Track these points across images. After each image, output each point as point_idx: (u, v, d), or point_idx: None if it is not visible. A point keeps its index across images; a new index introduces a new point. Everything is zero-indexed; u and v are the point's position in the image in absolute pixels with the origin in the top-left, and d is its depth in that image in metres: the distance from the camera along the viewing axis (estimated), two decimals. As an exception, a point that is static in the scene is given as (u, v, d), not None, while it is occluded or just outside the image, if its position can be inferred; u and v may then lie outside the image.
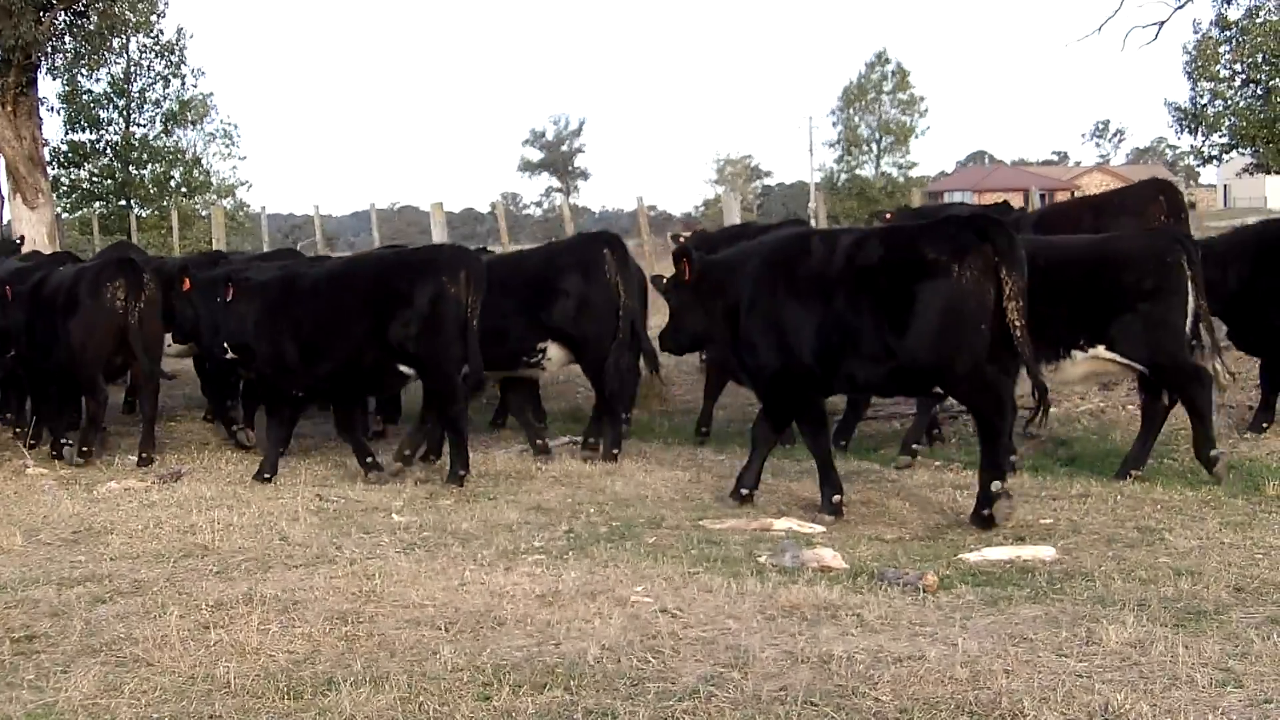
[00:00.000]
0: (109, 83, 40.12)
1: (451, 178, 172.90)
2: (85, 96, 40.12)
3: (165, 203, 40.14)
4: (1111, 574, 6.25)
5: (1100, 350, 8.44)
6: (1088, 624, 5.38)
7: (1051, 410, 10.45)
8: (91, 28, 23.65)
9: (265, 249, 21.83)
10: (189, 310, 10.11)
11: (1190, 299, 8.33)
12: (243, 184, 43.60)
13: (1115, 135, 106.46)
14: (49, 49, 23.27)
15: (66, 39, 23.97)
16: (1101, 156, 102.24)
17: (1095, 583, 6.12)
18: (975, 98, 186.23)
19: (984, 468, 7.48)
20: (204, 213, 38.07)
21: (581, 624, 5.57)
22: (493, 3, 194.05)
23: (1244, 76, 40.63)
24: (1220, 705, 4.48)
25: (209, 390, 12.10)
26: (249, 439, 11.18)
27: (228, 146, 42.93)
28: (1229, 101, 41.82)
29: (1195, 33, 38.64)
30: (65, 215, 37.35)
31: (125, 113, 41.02)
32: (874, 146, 69.11)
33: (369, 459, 9.57)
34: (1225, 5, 37.13)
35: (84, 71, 35.30)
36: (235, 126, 57.72)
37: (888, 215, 15.41)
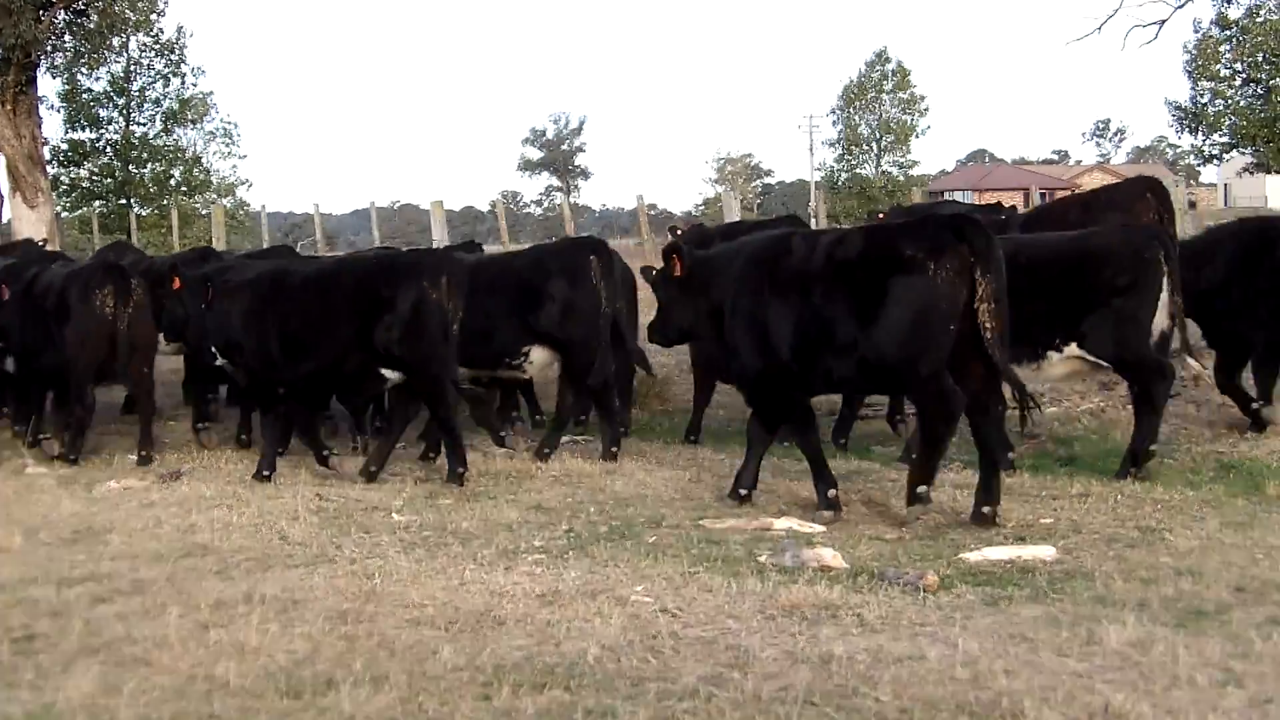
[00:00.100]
0: (109, 81, 40.23)
1: (452, 176, 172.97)
2: (85, 95, 40.21)
3: (165, 201, 40.22)
4: (1112, 574, 6.24)
5: (1073, 348, 8.47)
6: (1088, 624, 5.38)
7: (1051, 410, 10.48)
8: (91, 26, 23.68)
9: (265, 247, 21.82)
10: (179, 309, 10.08)
11: (1164, 296, 8.35)
12: (243, 183, 43.81)
13: (1116, 134, 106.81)
14: (49, 47, 23.31)
15: (66, 37, 24.01)
16: (1102, 155, 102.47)
17: (1096, 583, 6.11)
18: (976, 97, 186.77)
19: (915, 468, 7.63)
20: (204, 211, 38.15)
21: (581, 624, 5.56)
22: (493, 2, 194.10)
23: (1244, 76, 40.68)
24: (1221, 705, 4.48)
25: (192, 387, 12.03)
26: (209, 441, 11.07)
27: (228, 145, 43.07)
28: (1229, 101, 41.87)
29: (1196, 32, 38.73)
30: (65, 214, 37.42)
31: (125, 111, 41.08)
32: (874, 145, 69.10)
33: (325, 452, 9.65)
34: (1226, 5, 37.21)
35: (84, 70, 35.39)
36: (235, 125, 57.64)
37: (880, 214, 15.47)
